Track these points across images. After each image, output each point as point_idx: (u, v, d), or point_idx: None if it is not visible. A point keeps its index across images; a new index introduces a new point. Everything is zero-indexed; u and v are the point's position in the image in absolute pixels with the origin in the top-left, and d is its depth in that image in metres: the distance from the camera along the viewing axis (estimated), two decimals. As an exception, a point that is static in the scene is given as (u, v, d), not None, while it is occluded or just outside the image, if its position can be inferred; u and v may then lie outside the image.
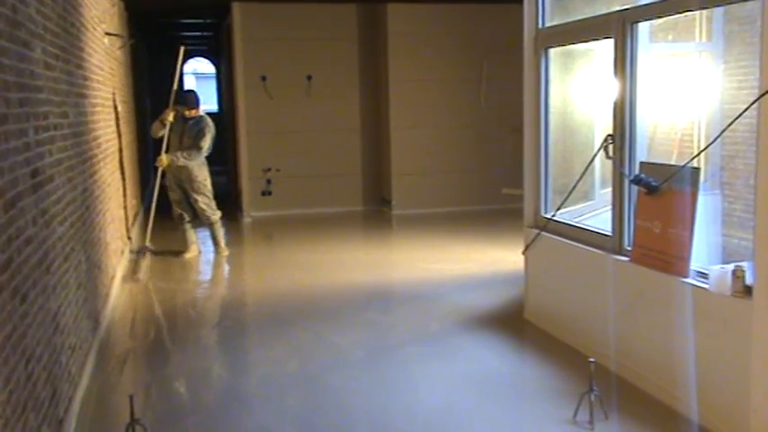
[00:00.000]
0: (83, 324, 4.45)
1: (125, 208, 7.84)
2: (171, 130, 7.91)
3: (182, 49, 8.38)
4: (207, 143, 7.83)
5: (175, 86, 8.17)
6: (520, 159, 5.54)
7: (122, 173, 7.94)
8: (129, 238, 8.02)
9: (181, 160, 7.80)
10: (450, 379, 4.50)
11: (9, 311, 2.71)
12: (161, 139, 7.95)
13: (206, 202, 8.09)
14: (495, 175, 10.42)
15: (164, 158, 7.79)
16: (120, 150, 7.91)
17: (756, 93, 3.24)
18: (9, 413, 2.60)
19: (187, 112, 7.92)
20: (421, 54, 10.64)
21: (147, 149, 14.13)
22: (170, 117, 7.85)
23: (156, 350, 5.19)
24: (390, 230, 10.05)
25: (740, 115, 3.55)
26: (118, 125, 7.69)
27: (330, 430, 3.82)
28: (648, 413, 3.86)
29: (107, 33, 7.17)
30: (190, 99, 8.00)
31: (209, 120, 7.96)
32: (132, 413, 3.38)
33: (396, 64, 10.63)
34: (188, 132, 7.89)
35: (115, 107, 7.53)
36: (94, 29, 6.14)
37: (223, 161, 15.97)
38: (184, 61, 19.53)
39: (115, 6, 8.42)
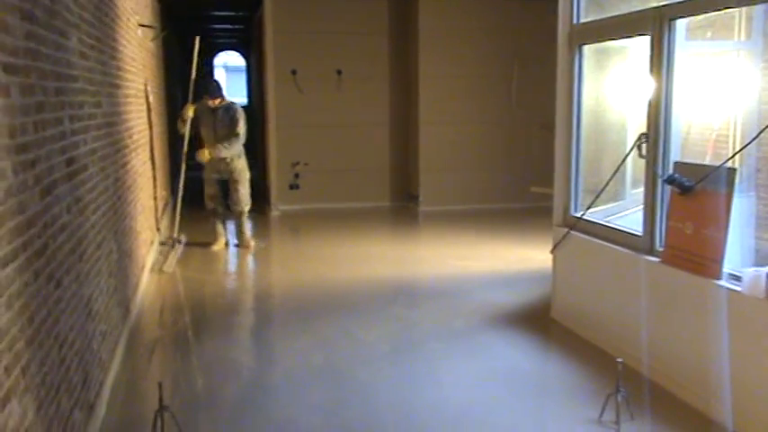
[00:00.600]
0: (113, 312, 4.51)
1: (155, 198, 7.91)
2: (201, 123, 7.88)
3: (197, 39, 8.32)
4: (243, 128, 7.78)
5: (193, 76, 8.17)
6: (549, 157, 5.50)
7: (153, 163, 8.00)
8: (159, 229, 8.06)
9: (223, 151, 7.76)
10: (475, 375, 4.49)
11: (44, 296, 2.76)
12: (193, 135, 7.94)
13: (244, 191, 8.06)
14: (523, 173, 10.36)
15: (206, 152, 7.78)
16: (151, 141, 7.97)
17: (796, 93, 3.18)
18: (43, 395, 2.64)
19: (211, 102, 7.84)
20: (452, 49, 10.60)
21: (177, 141, 14.26)
22: (189, 112, 7.84)
23: (184, 339, 5.23)
24: (417, 226, 10.04)
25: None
26: (149, 116, 7.76)
27: (355, 423, 3.83)
28: (677, 416, 3.82)
29: (140, 25, 7.24)
30: (212, 88, 7.93)
31: (237, 105, 7.93)
32: (161, 400, 3.41)
33: (426, 59, 10.60)
34: (220, 122, 7.85)
35: (147, 98, 7.59)
36: (128, 20, 6.20)
37: (252, 155, 16.07)
38: (207, 53, 19.73)
39: (149, -2, 8.49)
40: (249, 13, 12.71)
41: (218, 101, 7.85)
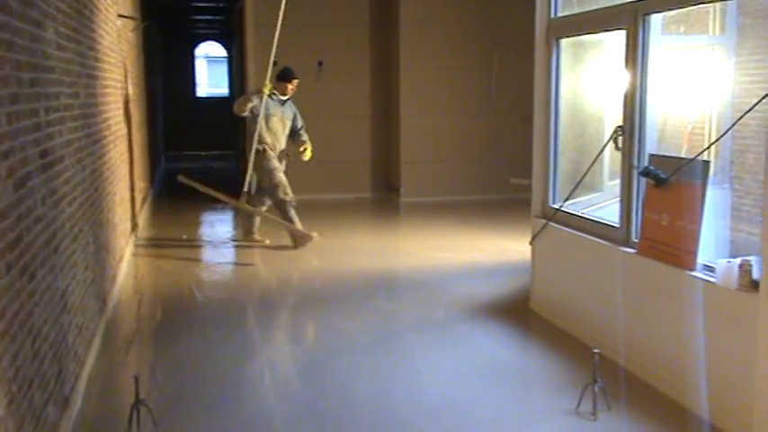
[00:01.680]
0: (90, 304, 4.48)
1: (128, 191, 7.82)
2: (270, 114, 7.59)
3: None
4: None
5: (274, 49, 7.63)
6: (529, 149, 5.53)
7: (131, 155, 7.95)
8: (136, 225, 7.87)
9: (307, 144, 7.66)
10: (455, 367, 4.51)
11: (17, 289, 2.74)
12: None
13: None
14: (503, 165, 10.40)
15: (309, 150, 7.71)
16: (131, 132, 7.92)
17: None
18: (15, 390, 2.63)
19: (291, 87, 7.61)
20: (432, 41, 10.60)
21: (157, 132, 14.17)
22: (266, 90, 7.47)
23: (162, 332, 5.22)
24: (398, 218, 10.06)
25: (750, 110, 3.53)
26: (128, 107, 7.71)
27: (334, 415, 3.84)
28: (653, 405, 3.86)
29: (120, 15, 7.18)
30: (291, 70, 7.70)
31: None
32: (137, 394, 3.40)
33: (407, 51, 10.60)
34: (287, 115, 7.65)
35: (126, 89, 7.54)
36: (107, 10, 6.15)
37: (233, 145, 16.00)
38: (188, 43, 19.55)
39: (127, -12, 8.41)
40: (230, 3, 12.63)
41: (291, 88, 7.61)
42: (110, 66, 6.22)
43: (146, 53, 11.16)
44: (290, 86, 7.64)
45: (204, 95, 21.35)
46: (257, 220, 7.90)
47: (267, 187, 7.67)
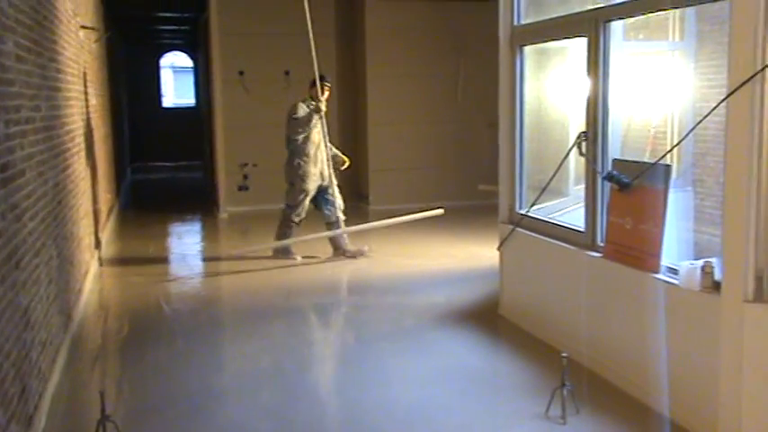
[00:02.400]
0: (54, 320, 4.41)
1: (93, 203, 7.70)
2: (313, 124, 7.35)
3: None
4: None
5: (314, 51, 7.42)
6: (497, 155, 5.56)
7: (94, 167, 7.83)
8: (99, 242, 7.66)
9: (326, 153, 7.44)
10: (425, 374, 4.51)
11: (-23, 307, 2.69)
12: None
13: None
14: (471, 172, 10.45)
15: (346, 158, 7.55)
16: (93, 144, 7.81)
17: (726, 92, 3.28)
18: (-24, 409, 2.58)
19: (327, 91, 7.38)
20: (399, 50, 10.64)
21: (123, 143, 14.02)
22: (323, 106, 7.27)
23: (128, 346, 5.15)
24: (367, 226, 10.04)
25: (708, 114, 3.60)
26: (90, 119, 7.61)
27: (304, 425, 3.82)
28: (620, 407, 3.90)
29: (82, 26, 7.10)
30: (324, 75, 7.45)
31: None
32: (103, 409, 3.35)
33: (373, 60, 10.62)
34: (323, 123, 7.42)
35: (90, 101, 7.45)
36: (69, 21, 6.08)
37: (200, 156, 15.90)
38: (153, 54, 19.39)
39: (90, -1, 8.33)
40: (195, 14, 12.56)
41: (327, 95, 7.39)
42: (72, 77, 6.15)
43: (110, 64, 11.05)
44: (325, 92, 7.45)
45: (170, 106, 21.19)
46: (345, 236, 7.69)
47: (289, 201, 7.51)
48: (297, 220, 7.50)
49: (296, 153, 7.38)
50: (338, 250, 7.60)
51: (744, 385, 3.28)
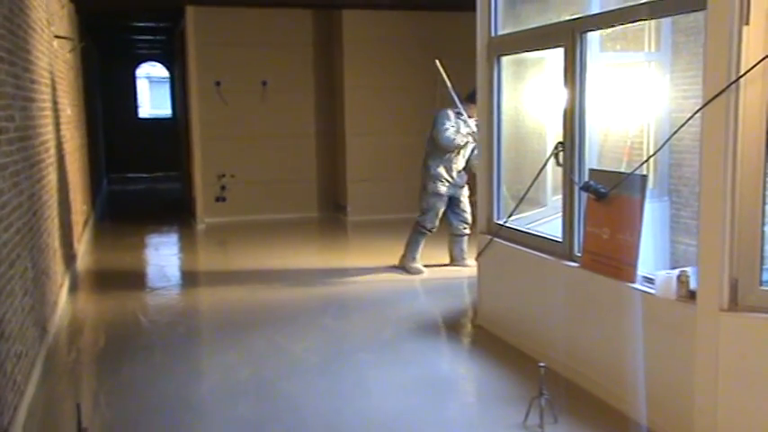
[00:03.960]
0: (29, 332, 4.35)
1: (69, 215, 7.62)
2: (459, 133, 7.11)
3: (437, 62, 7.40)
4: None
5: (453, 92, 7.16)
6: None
7: (66, 178, 7.73)
8: (75, 254, 7.59)
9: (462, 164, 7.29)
10: (404, 384, 4.51)
11: (-50, 319, 2.64)
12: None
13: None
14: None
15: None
16: (64, 155, 7.72)
17: (701, 102, 3.33)
18: (-51, 424, 2.53)
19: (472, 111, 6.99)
20: (376, 60, 10.67)
21: (98, 154, 13.90)
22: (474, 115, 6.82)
23: (106, 358, 5.09)
24: (345, 237, 10.04)
25: (682, 125, 3.64)
26: (65, 129, 7.53)
27: (283, 437, 3.79)
28: (598, 417, 3.92)
29: (56, 36, 7.04)
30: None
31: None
32: (80, 422, 3.31)
33: (351, 70, 10.64)
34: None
35: (64, 111, 7.38)
36: (43, 31, 6.03)
37: (177, 167, 15.81)
38: (129, 64, 19.25)
39: (65, 8, 8.26)
40: (171, 24, 12.51)
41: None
42: (47, 87, 6.09)
43: (85, 74, 10.96)
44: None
45: (147, 116, 21.06)
46: (465, 245, 7.51)
47: (422, 206, 7.33)
48: (427, 228, 7.34)
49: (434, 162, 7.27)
50: (454, 261, 7.52)
51: (719, 393, 3.31)
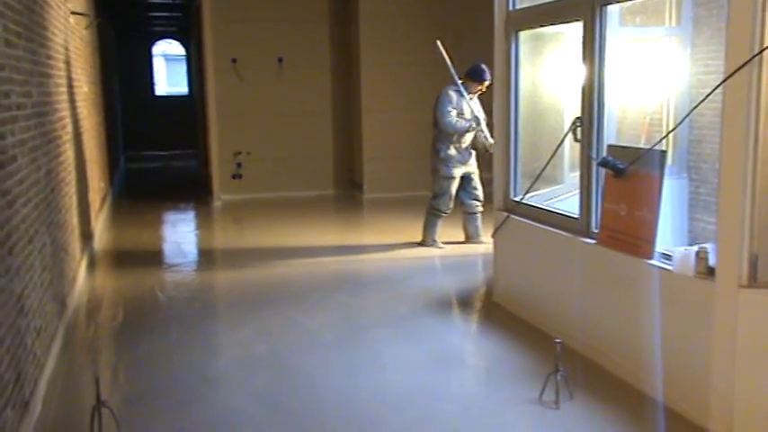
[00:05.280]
0: (48, 307, 4.40)
1: (86, 191, 7.65)
2: (462, 113, 7.08)
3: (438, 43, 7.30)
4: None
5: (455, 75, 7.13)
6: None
7: (83, 155, 7.75)
8: (92, 231, 7.57)
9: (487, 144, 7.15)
10: (419, 360, 4.52)
11: (-31, 292, 2.67)
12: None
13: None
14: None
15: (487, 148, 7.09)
16: (86, 132, 7.76)
17: (722, 77, 3.27)
18: (-30, 395, 2.57)
19: (481, 88, 7.05)
20: (393, 37, 10.60)
21: (116, 132, 13.96)
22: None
23: (123, 333, 5.14)
24: (361, 214, 10.05)
25: (703, 100, 3.60)
26: (82, 106, 7.55)
27: (299, 411, 3.81)
28: (614, 393, 3.91)
29: (72, 12, 7.04)
30: (485, 73, 6.99)
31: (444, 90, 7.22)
32: (99, 395, 3.34)
33: (367, 47, 10.58)
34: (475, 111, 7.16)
35: (81, 88, 7.40)
36: (59, 7, 6.03)
37: (193, 144, 15.84)
38: (145, 41, 19.25)
39: (81, -15, 8.26)
40: (187, 0, 12.48)
41: (482, 88, 7.10)
42: (63, 64, 6.10)
43: (101, 51, 10.98)
44: (479, 87, 7.14)
45: (163, 94, 21.09)
46: (479, 222, 7.49)
47: (436, 190, 7.29)
48: (443, 211, 7.32)
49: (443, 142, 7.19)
50: (470, 239, 7.50)
51: (736, 370, 3.29)
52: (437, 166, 7.25)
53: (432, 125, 7.32)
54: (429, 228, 7.44)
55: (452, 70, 7.11)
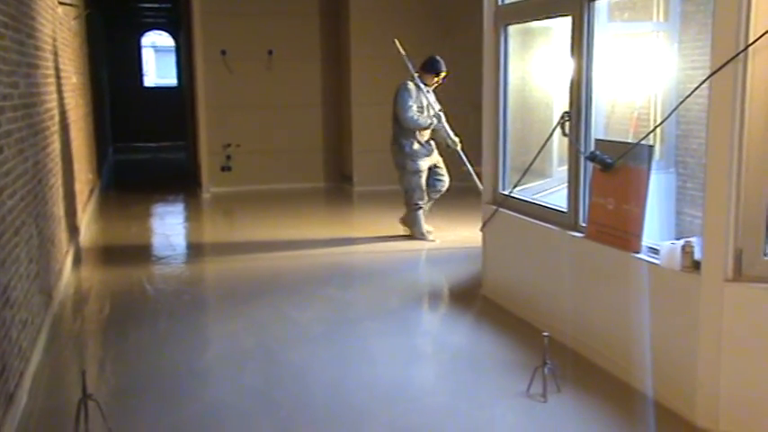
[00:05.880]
0: (34, 299, 4.38)
1: (74, 183, 7.61)
2: (422, 106, 7.13)
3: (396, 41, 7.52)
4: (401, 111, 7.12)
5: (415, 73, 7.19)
6: (480, 136, 5.56)
7: (69, 146, 7.70)
8: (78, 224, 7.47)
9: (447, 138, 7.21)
10: (408, 353, 4.53)
11: (-46, 285, 2.66)
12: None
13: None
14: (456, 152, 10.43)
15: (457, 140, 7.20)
16: (74, 123, 7.72)
17: (709, 72, 3.28)
18: (-45, 388, 2.56)
19: (437, 80, 7.14)
20: (383, 29, 10.53)
21: (104, 123, 13.89)
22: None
23: (110, 325, 5.12)
24: (351, 207, 10.04)
25: (689, 95, 3.61)
26: (70, 98, 7.51)
27: (288, 404, 3.82)
28: (601, 386, 3.93)
29: (61, 3, 6.99)
30: (441, 65, 7.11)
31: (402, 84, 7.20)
32: (85, 388, 3.33)
33: (357, 39, 10.55)
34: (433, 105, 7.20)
35: (68, 79, 7.35)
36: (47, -2, 5.99)
37: (183, 136, 15.79)
38: (134, 33, 19.15)
39: (69, -25, 8.19)
40: (177, -9, 12.42)
41: (438, 80, 7.16)
42: (51, 55, 6.06)
43: (90, 42, 10.91)
44: (436, 79, 7.17)
45: (152, 86, 21.00)
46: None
47: (405, 186, 7.27)
48: (419, 203, 7.30)
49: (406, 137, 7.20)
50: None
51: (722, 363, 3.32)
52: (404, 162, 7.19)
53: (392, 120, 7.25)
54: (414, 223, 7.43)
55: (409, 64, 7.09)
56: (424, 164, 7.20)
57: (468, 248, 6.83)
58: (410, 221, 7.46)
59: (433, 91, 7.27)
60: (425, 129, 7.08)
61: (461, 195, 9.60)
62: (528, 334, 4.66)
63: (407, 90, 7.01)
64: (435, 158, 7.35)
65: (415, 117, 6.95)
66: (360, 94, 10.67)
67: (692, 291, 3.42)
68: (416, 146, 7.11)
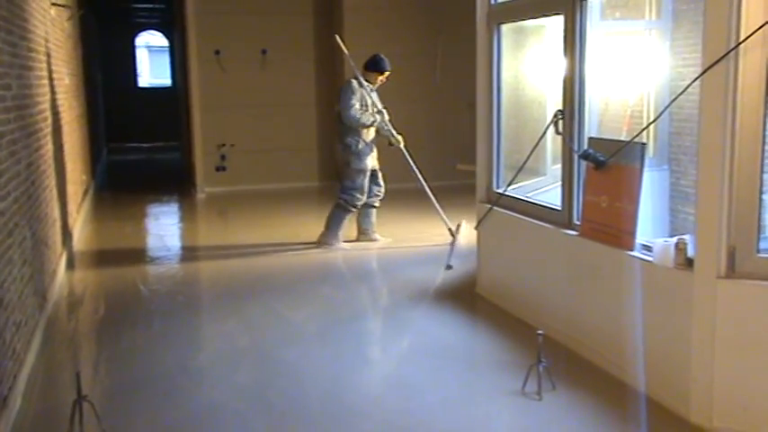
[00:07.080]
0: (29, 301, 4.37)
1: (68, 184, 7.59)
2: (367, 104, 7.05)
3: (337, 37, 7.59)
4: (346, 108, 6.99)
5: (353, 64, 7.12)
6: (475, 135, 5.56)
7: (62, 147, 7.68)
8: (71, 225, 7.37)
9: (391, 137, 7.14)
10: (403, 352, 4.54)
11: (-53, 287, 2.65)
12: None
13: None
14: (450, 151, 10.45)
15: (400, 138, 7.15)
16: (68, 124, 7.70)
17: (701, 70, 3.29)
18: (-52, 390, 2.55)
19: (381, 78, 7.10)
20: (376, 29, 10.57)
21: (98, 124, 13.86)
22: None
23: (105, 326, 5.11)
24: (346, 206, 10.01)
25: (681, 93, 3.63)
26: (63, 99, 7.49)
27: (283, 404, 3.82)
28: (595, 383, 3.94)
29: (53, 4, 6.97)
30: (385, 63, 7.08)
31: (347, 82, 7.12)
32: (79, 390, 3.33)
33: (351, 38, 10.52)
34: (377, 104, 7.13)
35: (61, 80, 7.33)
36: (40, -1, 5.97)
37: (177, 136, 15.76)
38: (128, 33, 19.10)
39: (62, -24, 8.17)
40: (170, -9, 12.40)
41: (383, 78, 7.10)
42: (44, 56, 6.04)
43: (83, 43, 10.88)
44: (380, 78, 7.11)
45: (146, 86, 20.95)
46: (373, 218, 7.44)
47: (347, 184, 7.09)
48: (357, 204, 7.17)
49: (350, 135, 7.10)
50: (363, 234, 7.40)
51: (715, 360, 3.33)
52: (349, 160, 7.07)
53: (336, 119, 7.18)
54: (335, 224, 7.14)
55: (352, 63, 7.08)
56: (369, 163, 7.15)
57: (462, 247, 6.83)
58: (332, 221, 7.17)
59: (379, 89, 7.24)
60: (368, 127, 7.04)
61: (453, 194, 9.61)
62: (522, 332, 4.67)
63: (351, 88, 6.98)
64: (376, 162, 7.29)
65: (357, 115, 6.91)
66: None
67: (686, 288, 3.43)
68: (362, 145, 7.07)
